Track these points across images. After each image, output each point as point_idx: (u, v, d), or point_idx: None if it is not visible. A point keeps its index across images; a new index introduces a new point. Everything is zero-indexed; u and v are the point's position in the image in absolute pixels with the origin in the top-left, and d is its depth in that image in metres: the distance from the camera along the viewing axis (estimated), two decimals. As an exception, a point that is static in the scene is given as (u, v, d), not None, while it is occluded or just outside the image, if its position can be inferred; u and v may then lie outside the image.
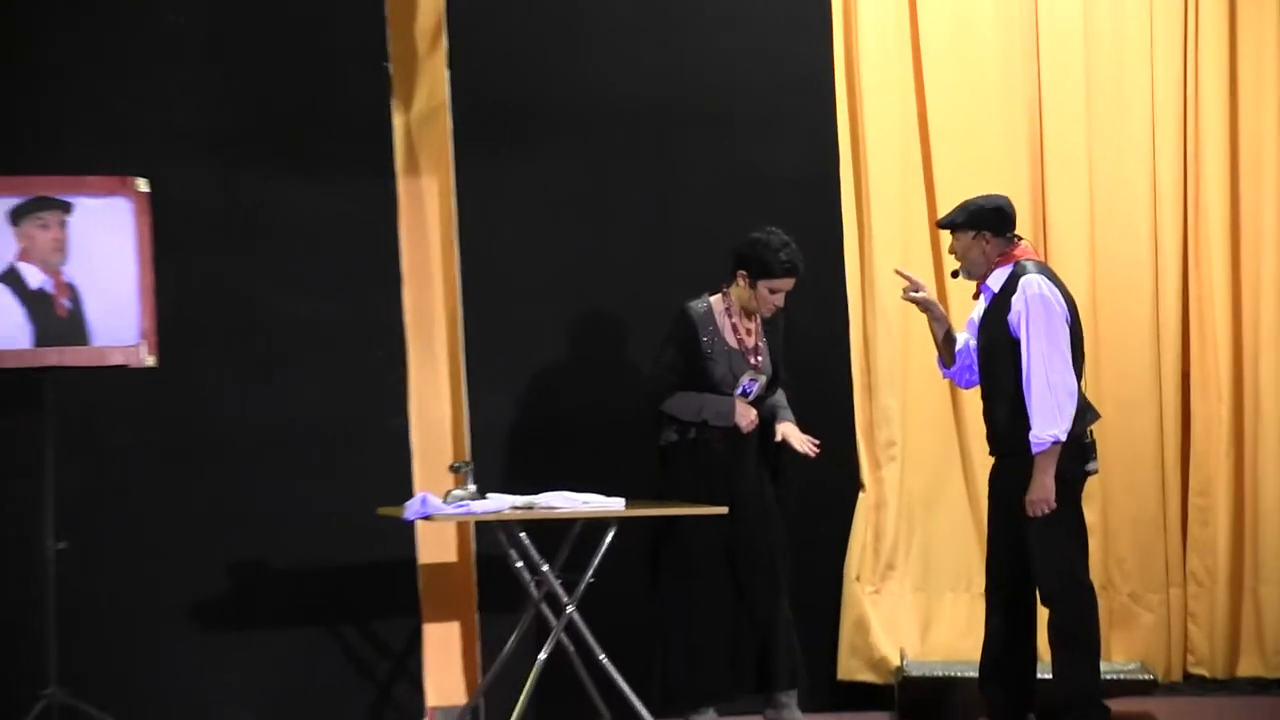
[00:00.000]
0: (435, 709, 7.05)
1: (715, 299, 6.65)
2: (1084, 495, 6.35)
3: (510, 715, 6.42)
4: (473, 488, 6.40)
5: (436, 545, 7.12)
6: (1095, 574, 6.66)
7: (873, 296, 7.49)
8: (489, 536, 6.66)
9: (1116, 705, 6.49)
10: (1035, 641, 6.37)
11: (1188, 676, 7.70)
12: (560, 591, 6.42)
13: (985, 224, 6.31)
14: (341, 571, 6.99)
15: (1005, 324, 6.20)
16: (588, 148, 7.32)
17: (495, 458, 7.08)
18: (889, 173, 7.54)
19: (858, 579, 7.41)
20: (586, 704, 6.61)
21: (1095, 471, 6.36)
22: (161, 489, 6.85)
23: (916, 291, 6.44)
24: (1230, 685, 7.66)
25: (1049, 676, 6.29)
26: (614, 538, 6.37)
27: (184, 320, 6.73)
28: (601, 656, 6.42)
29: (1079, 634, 6.23)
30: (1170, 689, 7.54)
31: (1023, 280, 6.20)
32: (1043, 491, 6.11)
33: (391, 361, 7.09)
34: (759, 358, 6.64)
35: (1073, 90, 7.67)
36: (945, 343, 6.52)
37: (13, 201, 6.32)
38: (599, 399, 7.17)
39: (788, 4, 7.54)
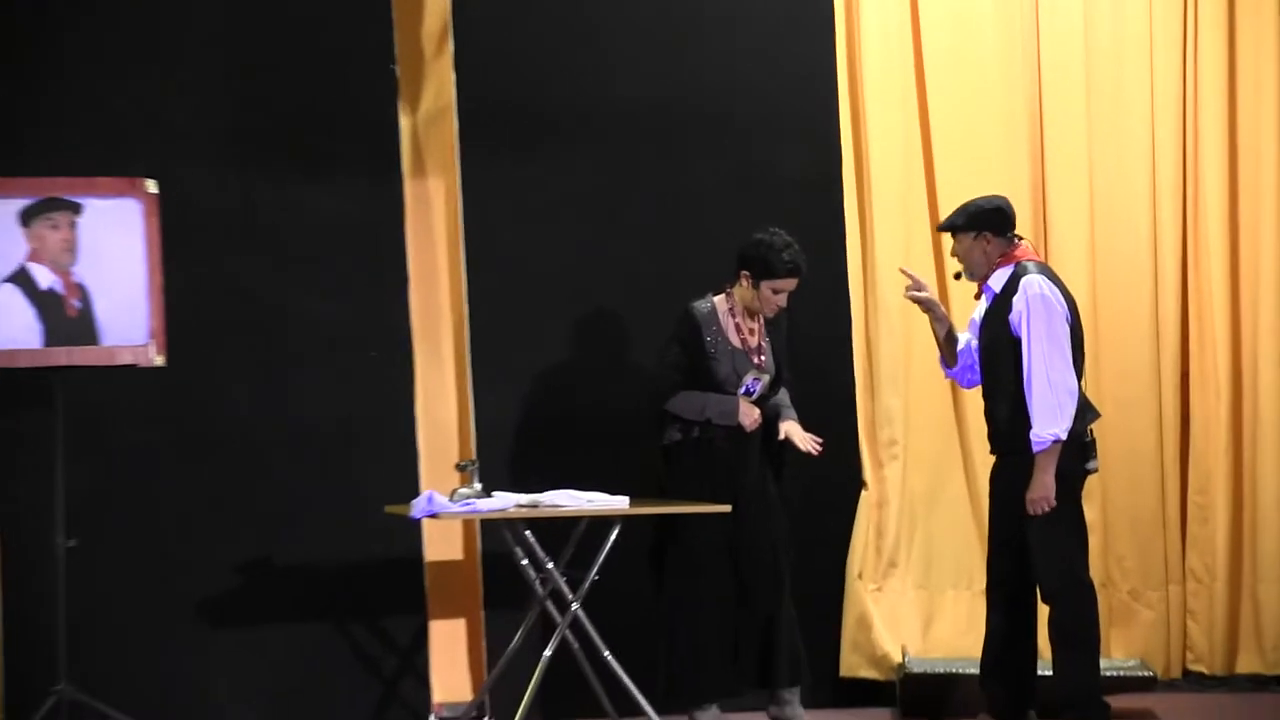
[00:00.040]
0: (441, 705, 7.06)
1: (719, 299, 6.67)
2: (1084, 493, 6.37)
3: (515, 711, 6.44)
4: (478, 486, 6.42)
5: (443, 543, 7.14)
6: (1095, 571, 6.69)
7: (875, 296, 7.50)
8: (495, 534, 6.71)
9: (1116, 701, 6.50)
10: (1036, 638, 6.39)
11: (1187, 673, 7.71)
12: (565, 589, 6.44)
13: (985, 225, 6.33)
14: (349, 569, 7.00)
15: (1006, 324, 6.22)
16: (592, 149, 7.34)
17: (501, 456, 7.09)
18: (891, 173, 7.55)
19: (860, 576, 7.43)
20: (591, 700, 6.64)
21: (1095, 470, 6.38)
22: (170, 487, 6.86)
23: (919, 291, 6.46)
24: (1229, 682, 7.67)
25: (1049, 673, 6.31)
26: (618, 536, 6.40)
27: (192, 320, 6.74)
28: (606, 653, 6.45)
29: (1079, 631, 6.25)
30: (1169, 686, 7.55)
31: (1024, 281, 6.22)
32: (1043, 490, 6.14)
33: (398, 361, 7.10)
34: (762, 357, 6.67)
35: (1073, 90, 7.69)
36: (947, 342, 6.53)
37: (23, 202, 6.34)
38: (603, 398, 7.18)
39: (790, 6, 7.54)
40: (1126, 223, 7.74)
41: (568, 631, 6.47)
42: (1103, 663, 6.47)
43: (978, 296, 6.43)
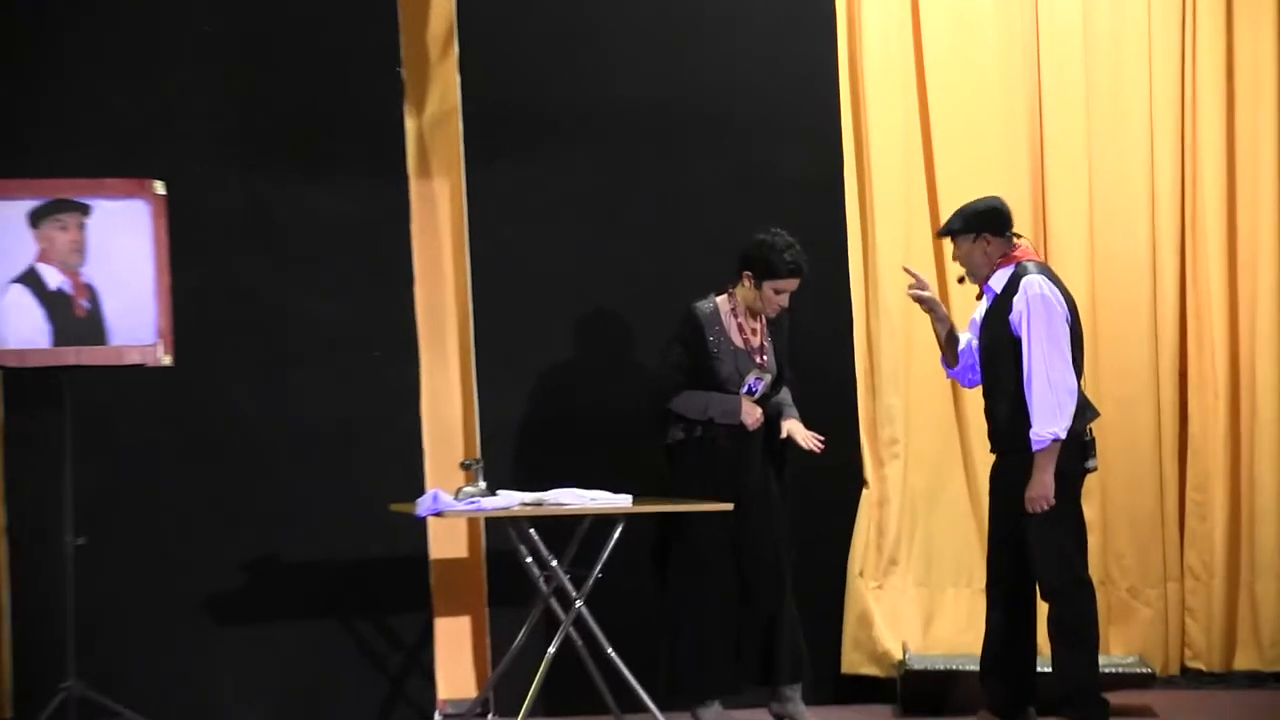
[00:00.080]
0: (446, 701, 7.09)
1: (721, 299, 6.69)
2: (1083, 492, 6.36)
3: (520, 708, 6.45)
4: (483, 485, 6.42)
5: (448, 541, 7.17)
6: (1094, 569, 6.70)
7: (876, 296, 7.52)
8: (499, 532, 6.71)
9: (1115, 698, 6.49)
10: (1035, 636, 6.40)
11: (1185, 670, 7.73)
12: (569, 587, 6.46)
13: (984, 226, 6.33)
14: (354, 567, 7.02)
15: (1007, 324, 6.22)
16: (595, 150, 7.34)
17: (505, 455, 7.11)
18: (892, 173, 7.56)
19: (861, 574, 7.44)
20: (594, 696, 6.65)
21: (1094, 469, 6.37)
22: (177, 486, 6.89)
23: (922, 290, 6.46)
24: (1226, 679, 7.69)
25: (1049, 670, 6.31)
26: (621, 534, 6.41)
27: (200, 320, 6.76)
28: (609, 650, 6.46)
29: (1078, 629, 6.25)
30: (1168, 682, 7.57)
31: (1024, 281, 6.22)
32: (1043, 488, 6.15)
33: (403, 361, 7.12)
34: (764, 357, 6.69)
35: (1072, 91, 7.70)
36: (948, 342, 6.54)
37: (32, 204, 6.35)
38: (607, 398, 7.19)
39: (790, 5, 7.54)
40: (1126, 222, 7.74)
41: (571, 629, 6.49)
42: (1101, 659, 6.45)
43: (979, 297, 6.44)
